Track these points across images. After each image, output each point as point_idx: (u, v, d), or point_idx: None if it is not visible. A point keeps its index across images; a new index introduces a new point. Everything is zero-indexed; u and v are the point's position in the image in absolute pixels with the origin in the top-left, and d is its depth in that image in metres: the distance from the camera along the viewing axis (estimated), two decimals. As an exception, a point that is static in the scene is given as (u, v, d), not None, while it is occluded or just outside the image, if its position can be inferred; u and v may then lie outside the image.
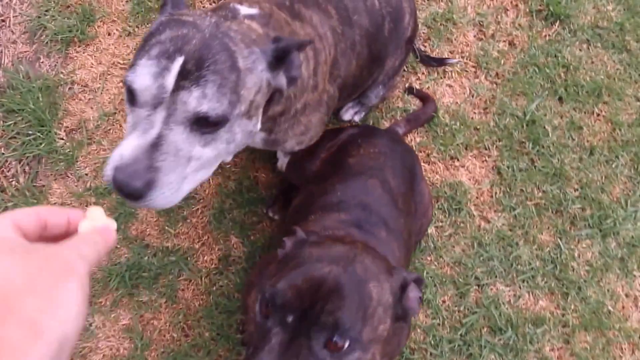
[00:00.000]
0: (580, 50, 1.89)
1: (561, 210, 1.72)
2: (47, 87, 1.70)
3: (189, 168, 0.85)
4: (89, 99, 1.72)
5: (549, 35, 1.89)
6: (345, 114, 1.74)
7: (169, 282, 1.58)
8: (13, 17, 1.77)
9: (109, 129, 1.70)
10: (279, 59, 0.92)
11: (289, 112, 1.12)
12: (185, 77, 0.81)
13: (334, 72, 1.23)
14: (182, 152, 0.82)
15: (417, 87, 1.80)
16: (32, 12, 1.78)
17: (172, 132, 0.81)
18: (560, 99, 1.83)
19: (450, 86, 1.82)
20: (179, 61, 0.81)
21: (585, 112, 1.82)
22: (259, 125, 0.97)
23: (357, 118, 1.75)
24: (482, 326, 1.60)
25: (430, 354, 1.56)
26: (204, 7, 1.82)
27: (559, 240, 1.69)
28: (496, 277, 1.64)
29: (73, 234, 0.55)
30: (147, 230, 1.61)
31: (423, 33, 1.85)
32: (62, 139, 1.68)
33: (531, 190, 1.73)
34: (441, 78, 1.82)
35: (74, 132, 1.70)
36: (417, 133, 1.76)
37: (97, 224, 0.56)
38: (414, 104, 1.80)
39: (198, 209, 1.64)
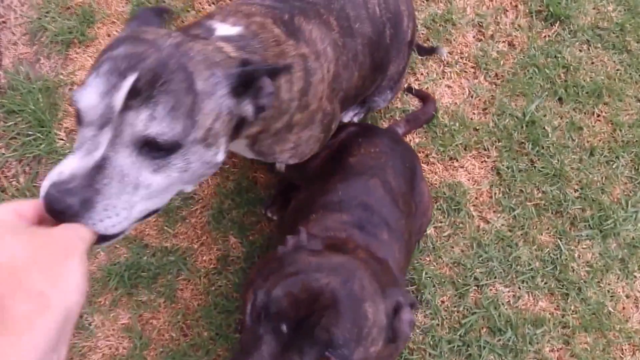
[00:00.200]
0: (580, 50, 1.88)
1: (561, 211, 1.71)
2: (47, 88, 1.71)
3: (137, 196, 0.76)
4: (89, 99, 1.73)
5: (549, 36, 1.89)
6: (344, 117, 1.74)
7: (168, 282, 1.58)
8: (14, 18, 1.78)
9: (109, 130, 1.70)
10: (246, 85, 0.84)
11: (267, 131, 1.04)
12: (135, 97, 0.74)
13: (335, 87, 1.17)
14: (129, 178, 0.75)
15: (417, 87, 1.80)
16: (33, 14, 1.79)
17: (118, 155, 0.74)
18: (560, 99, 1.83)
19: (449, 87, 1.82)
20: (130, 79, 0.74)
21: (585, 113, 1.82)
22: (220, 156, 0.87)
23: (356, 119, 1.75)
24: (482, 327, 1.59)
25: (429, 354, 1.56)
26: (203, 8, 1.83)
27: (558, 241, 1.68)
28: (495, 277, 1.64)
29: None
30: (146, 230, 1.62)
31: (422, 34, 1.85)
32: (62, 139, 1.68)
33: (531, 190, 1.72)
34: (440, 79, 1.82)
35: (74, 132, 1.70)
36: (416, 134, 1.76)
37: None
38: (413, 104, 1.80)
39: (197, 209, 1.65)
